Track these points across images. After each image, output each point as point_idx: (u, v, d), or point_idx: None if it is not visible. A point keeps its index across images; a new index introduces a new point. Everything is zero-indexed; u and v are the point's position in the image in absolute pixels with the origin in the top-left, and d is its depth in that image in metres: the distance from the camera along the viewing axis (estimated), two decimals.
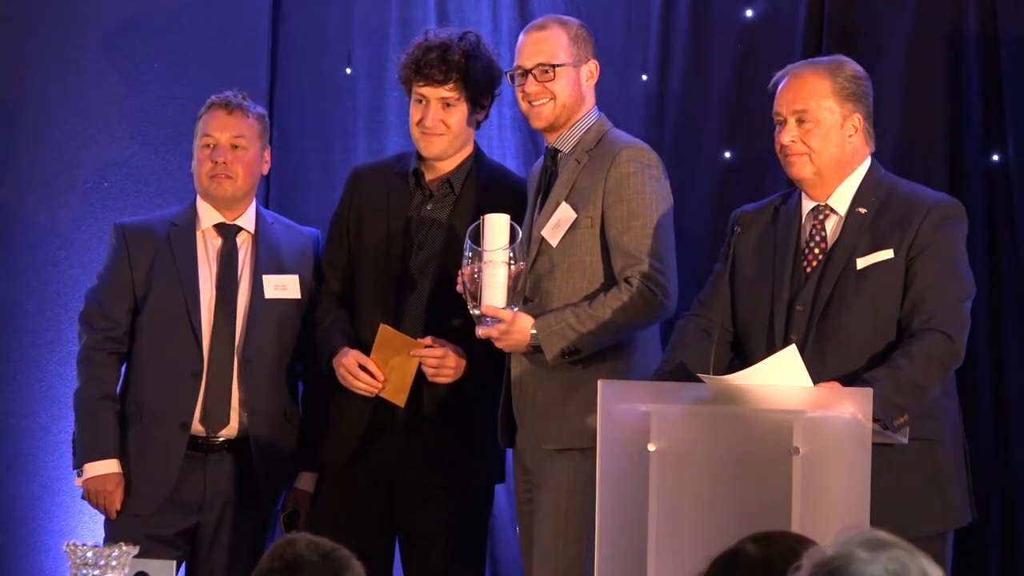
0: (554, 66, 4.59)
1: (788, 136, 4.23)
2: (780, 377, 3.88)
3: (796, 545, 2.66)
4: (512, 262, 4.37)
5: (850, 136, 4.24)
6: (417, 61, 4.79)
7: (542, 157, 4.76)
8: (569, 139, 4.63)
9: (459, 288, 4.44)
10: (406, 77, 4.84)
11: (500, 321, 4.40)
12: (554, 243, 4.56)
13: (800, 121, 4.22)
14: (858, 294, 4.16)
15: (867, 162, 4.29)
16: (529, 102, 4.61)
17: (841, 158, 4.24)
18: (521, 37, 4.68)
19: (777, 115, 4.28)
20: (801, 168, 4.24)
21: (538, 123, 4.64)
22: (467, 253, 4.40)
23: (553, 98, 4.59)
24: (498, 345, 4.47)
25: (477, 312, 4.41)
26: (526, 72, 4.61)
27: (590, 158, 4.59)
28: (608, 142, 4.62)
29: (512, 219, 4.42)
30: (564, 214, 4.56)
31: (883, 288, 4.16)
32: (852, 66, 4.29)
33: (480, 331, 4.43)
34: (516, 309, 4.42)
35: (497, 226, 4.39)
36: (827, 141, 4.22)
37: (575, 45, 4.62)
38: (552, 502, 4.48)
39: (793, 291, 4.22)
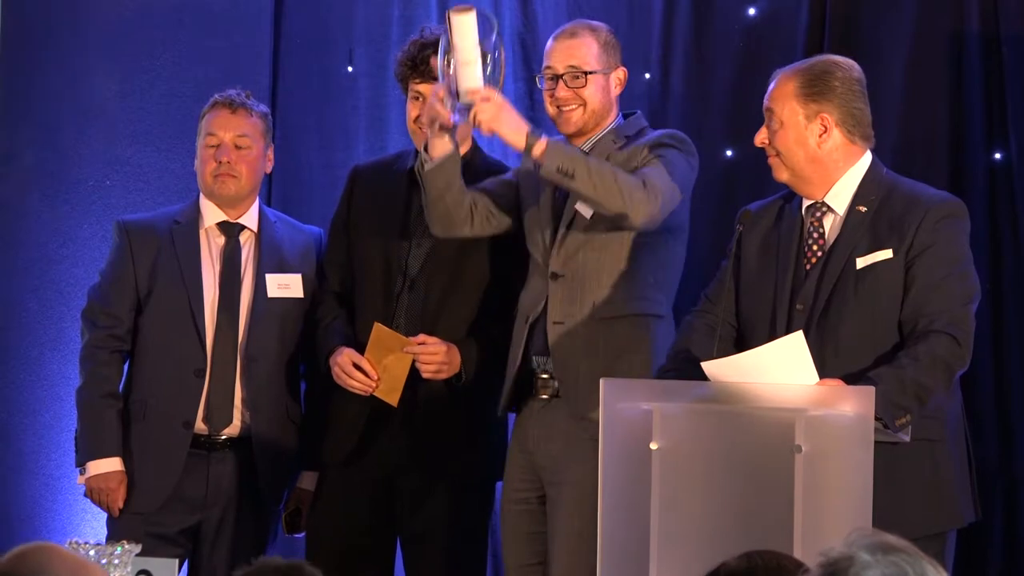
0: (586, 73, 4.59)
1: (758, 137, 4.24)
2: (784, 363, 3.87)
3: (780, 560, 2.66)
4: (489, 56, 4.35)
5: (821, 135, 4.17)
6: (413, 58, 4.79)
7: None
8: (595, 140, 4.63)
9: (433, 106, 4.43)
10: (402, 75, 4.84)
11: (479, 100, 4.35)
12: (587, 215, 4.55)
13: (768, 123, 4.22)
14: (857, 294, 4.13)
15: (866, 159, 4.24)
16: (558, 107, 4.62)
17: (815, 158, 4.18)
18: (551, 43, 4.68)
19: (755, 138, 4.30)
20: (778, 172, 4.24)
21: (566, 128, 4.63)
22: (441, 60, 4.38)
23: (583, 104, 4.60)
24: (484, 120, 4.36)
25: (458, 104, 4.36)
26: (556, 77, 4.61)
27: (627, 141, 4.60)
28: (649, 131, 4.65)
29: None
30: None
31: (882, 289, 4.12)
32: (826, 64, 4.23)
33: (465, 118, 4.39)
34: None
35: (466, 24, 4.33)
36: (792, 142, 4.18)
37: (605, 52, 4.63)
38: (577, 500, 4.46)
39: (794, 290, 4.21)
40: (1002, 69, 5.10)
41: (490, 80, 4.37)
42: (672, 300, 4.65)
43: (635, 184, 4.39)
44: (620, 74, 4.67)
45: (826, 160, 4.19)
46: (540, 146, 4.36)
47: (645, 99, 5.47)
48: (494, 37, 4.37)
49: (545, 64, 4.66)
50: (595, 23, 4.75)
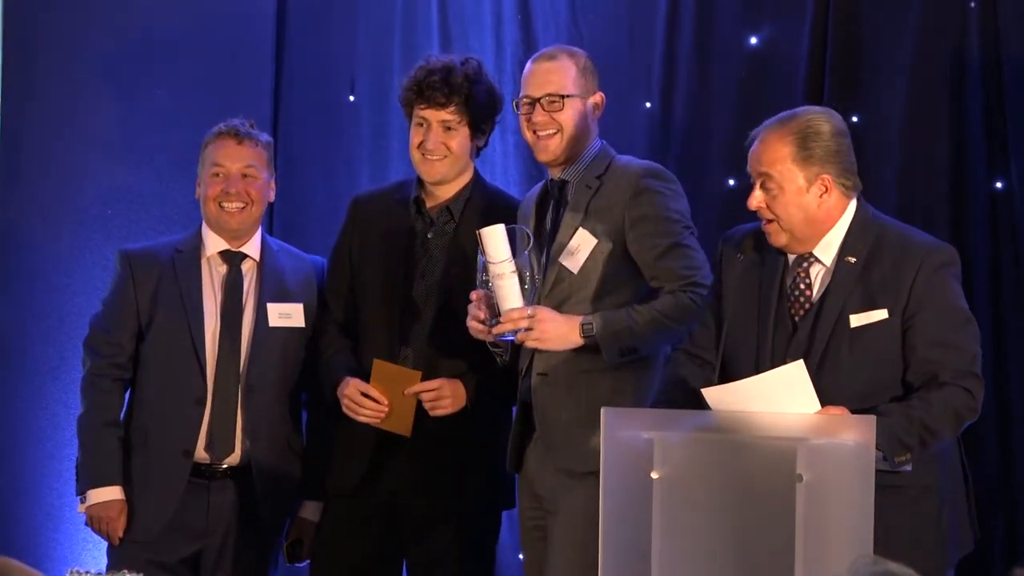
0: (563, 97, 4.58)
1: (754, 202, 4.11)
2: (785, 391, 3.85)
3: None
4: (527, 270, 4.36)
5: (821, 196, 4.06)
6: (420, 84, 4.78)
7: (539, 185, 4.76)
8: (576, 170, 4.62)
9: (471, 320, 4.43)
10: (408, 100, 4.83)
11: (525, 321, 4.37)
12: (575, 270, 4.54)
13: (764, 186, 4.09)
14: (852, 353, 4.03)
15: (852, 206, 4.12)
16: (535, 132, 4.61)
17: (813, 219, 4.08)
18: (529, 66, 4.67)
19: (749, 176, 4.15)
20: (776, 237, 4.11)
21: (544, 156, 4.62)
22: (480, 274, 4.39)
23: (560, 129, 4.58)
24: (534, 344, 4.42)
25: (499, 323, 4.37)
26: (534, 101, 4.61)
27: (602, 183, 4.58)
28: (619, 167, 4.62)
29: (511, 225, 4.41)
30: (583, 240, 4.55)
31: (878, 348, 4.03)
32: (821, 125, 4.08)
33: (516, 338, 4.41)
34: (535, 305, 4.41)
35: (495, 238, 4.35)
36: (791, 206, 4.06)
37: (583, 77, 4.61)
38: (568, 529, 4.47)
39: (780, 342, 4.11)
40: (1002, 97, 5.11)
41: (527, 295, 4.37)
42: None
43: (685, 307, 4.44)
44: (598, 99, 4.65)
45: (822, 219, 4.09)
46: (593, 340, 4.42)
47: (646, 127, 5.48)
48: (527, 253, 4.38)
49: (523, 89, 4.65)
50: (574, 48, 4.75)
